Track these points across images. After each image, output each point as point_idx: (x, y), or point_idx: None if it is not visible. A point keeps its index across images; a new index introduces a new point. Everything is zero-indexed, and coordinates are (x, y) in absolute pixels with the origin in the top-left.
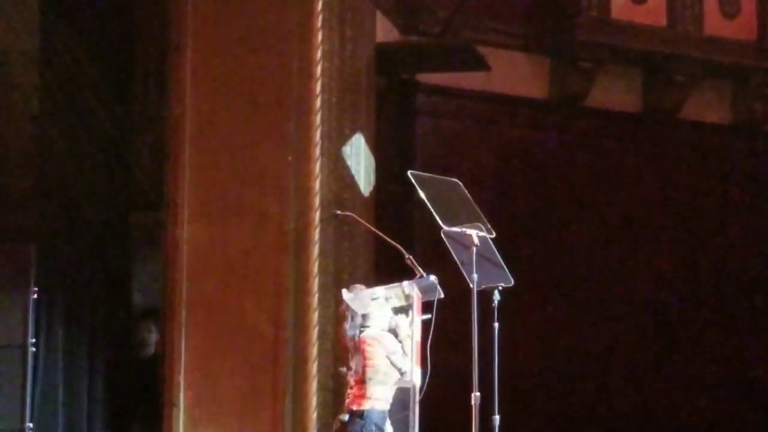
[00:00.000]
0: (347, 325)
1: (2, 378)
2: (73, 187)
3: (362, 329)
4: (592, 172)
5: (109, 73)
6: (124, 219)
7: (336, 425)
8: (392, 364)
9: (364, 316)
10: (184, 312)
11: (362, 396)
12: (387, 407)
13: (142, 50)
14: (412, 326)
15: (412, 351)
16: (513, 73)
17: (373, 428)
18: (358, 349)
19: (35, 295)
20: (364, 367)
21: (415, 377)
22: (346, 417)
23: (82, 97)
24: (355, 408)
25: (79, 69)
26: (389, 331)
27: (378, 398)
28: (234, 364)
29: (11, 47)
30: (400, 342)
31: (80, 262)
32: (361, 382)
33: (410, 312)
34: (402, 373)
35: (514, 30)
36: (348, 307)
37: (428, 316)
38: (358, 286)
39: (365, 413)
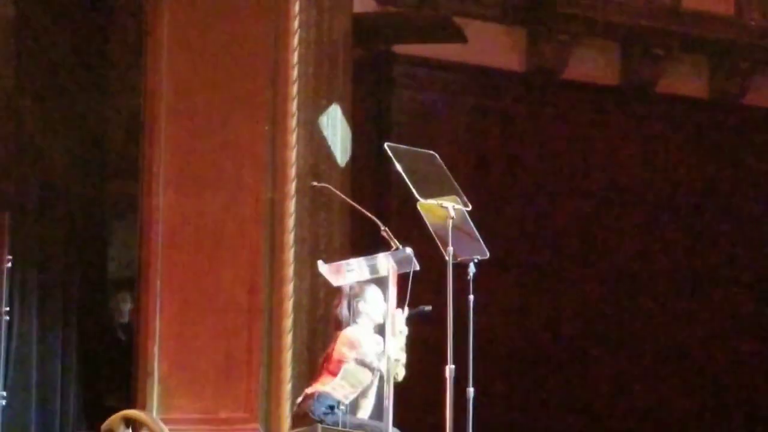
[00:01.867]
0: (340, 310)
1: None
2: (47, 156)
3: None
4: (570, 145)
5: (84, 42)
6: (99, 188)
7: (295, 407)
8: (365, 365)
9: (357, 312)
10: (158, 282)
11: (322, 383)
12: (346, 401)
13: (118, 19)
14: (387, 300)
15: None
16: (490, 45)
17: (323, 410)
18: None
19: (9, 264)
20: (336, 361)
21: (389, 349)
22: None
23: (56, 67)
24: (308, 391)
25: (54, 38)
26: (379, 326)
27: (338, 389)
28: (209, 334)
29: None
30: (393, 336)
31: (54, 230)
32: (327, 371)
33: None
34: (374, 372)
35: (491, 1)
36: (344, 293)
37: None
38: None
39: (319, 394)
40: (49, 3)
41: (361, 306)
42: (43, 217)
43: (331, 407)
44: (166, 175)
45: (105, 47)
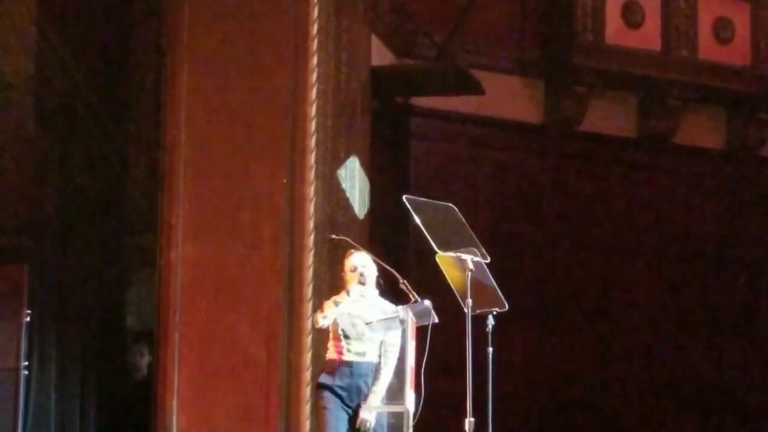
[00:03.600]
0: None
1: None
2: (68, 209)
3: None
4: (587, 197)
5: (105, 96)
6: (118, 241)
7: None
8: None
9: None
10: (177, 335)
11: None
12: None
13: (137, 73)
14: (407, 351)
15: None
16: (508, 97)
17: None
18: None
19: (28, 318)
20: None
21: (408, 402)
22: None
23: (78, 120)
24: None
25: (76, 93)
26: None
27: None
28: (227, 387)
29: (8, 69)
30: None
31: (74, 284)
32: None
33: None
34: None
35: (508, 54)
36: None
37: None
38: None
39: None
40: (71, 58)
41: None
42: (63, 270)
43: None
44: (184, 228)
45: (125, 99)
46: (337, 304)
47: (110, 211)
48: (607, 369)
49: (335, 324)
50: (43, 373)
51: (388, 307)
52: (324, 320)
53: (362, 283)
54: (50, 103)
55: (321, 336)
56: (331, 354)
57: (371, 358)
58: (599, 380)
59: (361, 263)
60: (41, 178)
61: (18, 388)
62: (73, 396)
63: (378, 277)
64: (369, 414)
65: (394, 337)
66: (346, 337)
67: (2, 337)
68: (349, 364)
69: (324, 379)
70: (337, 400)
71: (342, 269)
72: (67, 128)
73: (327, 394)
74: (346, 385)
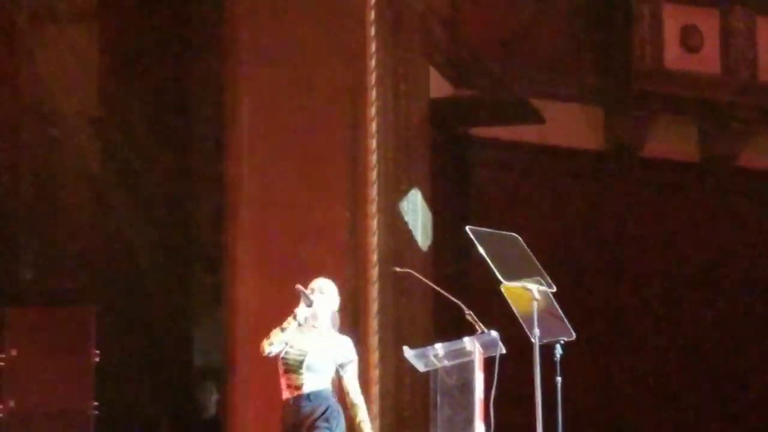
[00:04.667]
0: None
1: None
2: (133, 249)
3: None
4: (651, 223)
5: (167, 135)
6: (184, 279)
7: None
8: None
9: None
10: (246, 372)
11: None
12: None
13: (200, 111)
14: (475, 382)
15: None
16: (568, 125)
17: None
18: None
19: (97, 359)
20: None
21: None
22: None
23: (140, 160)
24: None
25: (138, 131)
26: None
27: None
28: None
29: (70, 109)
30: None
31: (140, 323)
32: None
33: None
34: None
35: (567, 81)
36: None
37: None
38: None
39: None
40: (133, 98)
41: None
42: (129, 309)
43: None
44: (250, 264)
45: (189, 139)
46: (283, 330)
47: (176, 248)
48: (676, 395)
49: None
50: (113, 414)
51: (340, 339)
52: (270, 347)
53: (308, 305)
54: (112, 140)
55: (387, 370)
56: (283, 394)
57: (310, 388)
58: (667, 406)
59: (319, 286)
60: (106, 217)
61: (88, 429)
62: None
63: (335, 313)
64: None
65: (347, 353)
66: (287, 372)
67: (72, 378)
68: (288, 401)
69: (280, 420)
70: None
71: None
72: (130, 166)
73: None
74: (289, 427)
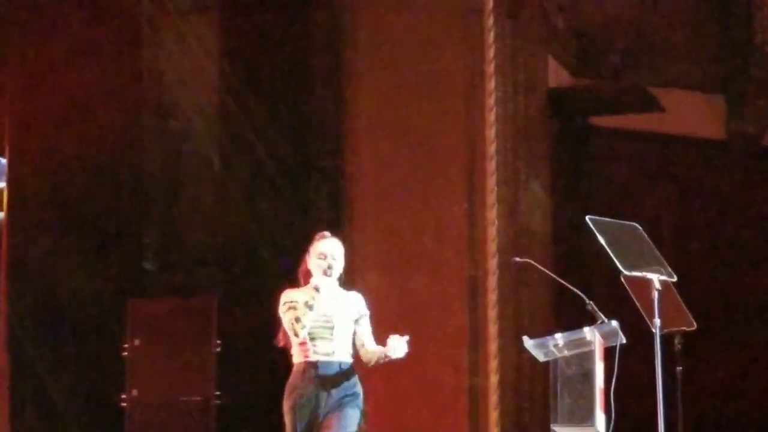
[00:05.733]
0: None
1: None
2: (254, 239)
3: None
4: None
5: (287, 128)
6: None
7: None
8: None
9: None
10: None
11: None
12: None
13: (317, 105)
14: (595, 372)
15: (596, 398)
16: (688, 114)
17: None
18: None
19: (219, 348)
20: None
21: (599, 424)
22: None
23: (261, 152)
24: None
25: (258, 124)
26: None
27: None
28: (415, 412)
29: (191, 106)
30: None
31: (262, 313)
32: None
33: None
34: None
35: (687, 69)
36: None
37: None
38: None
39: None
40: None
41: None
42: (250, 299)
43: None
44: (369, 256)
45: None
46: (311, 307)
47: (295, 239)
48: None
49: None
50: (235, 404)
51: (353, 296)
52: (303, 331)
53: (328, 275)
54: (233, 133)
55: (507, 360)
56: (297, 359)
57: (341, 357)
58: None
59: (331, 251)
60: (227, 209)
61: (210, 419)
62: (266, 428)
63: (342, 274)
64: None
65: (362, 307)
66: (312, 338)
67: (194, 368)
68: (314, 365)
69: (289, 387)
70: (304, 408)
71: (309, 257)
72: (250, 158)
73: (294, 400)
74: (310, 393)
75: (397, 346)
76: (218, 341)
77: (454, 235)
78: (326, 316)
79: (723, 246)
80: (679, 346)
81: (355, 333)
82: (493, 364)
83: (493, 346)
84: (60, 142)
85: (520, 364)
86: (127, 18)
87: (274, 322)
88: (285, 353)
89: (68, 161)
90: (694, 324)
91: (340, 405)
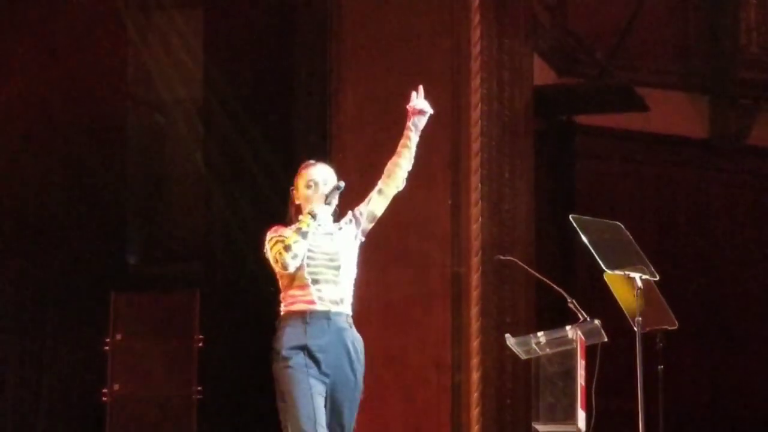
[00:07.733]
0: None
1: (170, 428)
2: (236, 235)
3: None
4: (755, 212)
5: (271, 122)
6: None
7: None
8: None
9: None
10: None
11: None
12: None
13: (302, 100)
14: (577, 370)
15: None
16: (672, 113)
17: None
18: None
19: (200, 343)
20: None
21: (580, 422)
22: None
23: (245, 147)
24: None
25: (242, 119)
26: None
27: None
28: (397, 410)
29: (174, 101)
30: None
31: (244, 308)
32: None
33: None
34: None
35: (671, 69)
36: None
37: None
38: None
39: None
40: (233, 84)
41: None
42: (233, 294)
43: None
44: None
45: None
46: (304, 234)
47: None
48: None
49: (299, 267)
50: (217, 398)
51: (345, 225)
52: (294, 260)
53: (327, 204)
54: (217, 128)
55: (489, 358)
56: (297, 306)
57: (348, 309)
58: None
59: (323, 177)
60: (209, 205)
61: (192, 413)
62: (248, 422)
63: (337, 208)
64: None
65: (353, 214)
66: (315, 281)
67: (176, 362)
68: (326, 315)
69: (288, 339)
70: (313, 366)
71: (297, 190)
72: (234, 153)
73: (297, 358)
74: (324, 344)
75: (418, 101)
76: (200, 336)
77: (438, 231)
78: (329, 254)
79: (706, 245)
80: (660, 345)
81: (370, 202)
82: (475, 361)
83: (475, 343)
84: (41, 136)
85: (502, 362)
86: (110, 12)
87: (257, 317)
88: (268, 347)
89: (49, 155)
90: (676, 323)
91: (354, 383)
